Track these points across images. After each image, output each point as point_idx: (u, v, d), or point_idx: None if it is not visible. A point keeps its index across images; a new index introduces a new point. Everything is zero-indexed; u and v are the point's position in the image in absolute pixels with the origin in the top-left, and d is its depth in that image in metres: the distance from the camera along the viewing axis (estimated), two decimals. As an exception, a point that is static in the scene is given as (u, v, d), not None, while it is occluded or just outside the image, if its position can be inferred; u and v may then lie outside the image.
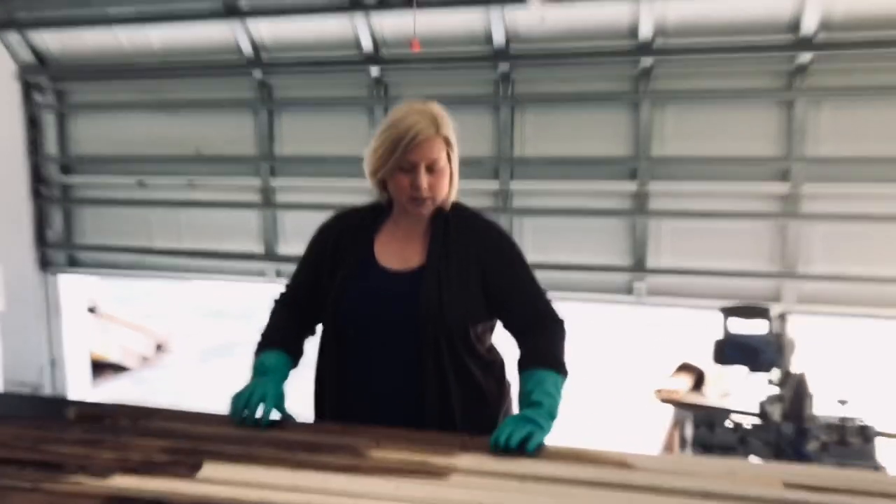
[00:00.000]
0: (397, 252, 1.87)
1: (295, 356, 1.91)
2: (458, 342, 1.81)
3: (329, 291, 1.87)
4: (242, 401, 1.74)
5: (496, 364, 1.94)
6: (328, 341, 1.90)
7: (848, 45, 3.56)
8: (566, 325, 1.88)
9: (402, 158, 1.78)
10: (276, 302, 2.01)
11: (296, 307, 1.96)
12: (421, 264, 1.84)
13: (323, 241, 1.95)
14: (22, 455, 1.57)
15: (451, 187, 1.89)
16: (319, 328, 1.94)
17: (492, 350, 1.94)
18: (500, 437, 1.60)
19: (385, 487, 1.43)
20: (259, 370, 1.83)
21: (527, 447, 1.59)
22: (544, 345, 1.82)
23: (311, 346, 1.96)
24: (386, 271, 1.85)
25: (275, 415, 1.76)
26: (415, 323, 1.79)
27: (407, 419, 1.78)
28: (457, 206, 1.93)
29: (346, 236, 1.91)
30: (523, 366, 1.80)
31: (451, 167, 1.86)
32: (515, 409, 1.80)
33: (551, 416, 1.69)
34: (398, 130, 1.78)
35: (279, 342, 1.89)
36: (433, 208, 1.87)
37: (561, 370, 1.78)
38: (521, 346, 1.85)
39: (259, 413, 1.73)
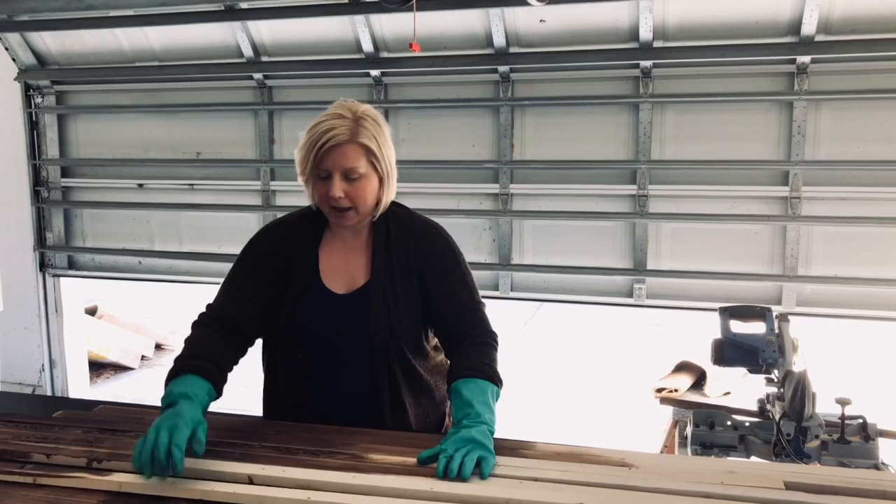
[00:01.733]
0: (342, 269, 1.81)
1: (217, 382, 1.64)
2: (409, 354, 1.79)
3: (274, 310, 1.78)
4: (149, 444, 1.42)
5: (444, 364, 1.89)
6: (278, 362, 1.82)
7: (847, 46, 3.56)
8: (498, 339, 1.79)
9: (317, 166, 1.70)
10: (198, 322, 1.76)
11: (225, 325, 1.75)
12: (366, 282, 1.79)
13: (264, 253, 1.83)
14: (22, 453, 1.57)
15: (384, 194, 1.77)
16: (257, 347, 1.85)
17: (438, 349, 1.90)
18: (451, 467, 1.45)
19: (387, 482, 1.43)
20: (169, 400, 1.55)
21: (482, 475, 1.46)
22: (479, 356, 1.72)
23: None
24: (333, 295, 1.78)
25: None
26: (366, 344, 1.75)
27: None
28: (396, 210, 1.85)
29: (291, 253, 1.81)
30: (460, 374, 1.68)
31: (379, 174, 1.74)
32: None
33: (492, 432, 1.58)
34: (313, 134, 1.70)
35: (195, 368, 1.62)
36: (358, 219, 1.77)
37: (497, 382, 1.69)
38: (454, 356, 1.76)
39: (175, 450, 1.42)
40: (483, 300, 1.86)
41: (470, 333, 1.77)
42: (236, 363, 1.75)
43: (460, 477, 1.44)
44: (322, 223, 1.84)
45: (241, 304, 1.78)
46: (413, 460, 1.54)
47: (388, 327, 1.75)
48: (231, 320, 1.76)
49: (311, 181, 1.76)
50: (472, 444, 1.51)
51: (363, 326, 1.74)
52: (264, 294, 1.78)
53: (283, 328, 1.78)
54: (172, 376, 1.63)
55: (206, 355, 1.66)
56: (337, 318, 1.76)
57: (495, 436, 1.59)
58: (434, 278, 1.80)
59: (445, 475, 1.45)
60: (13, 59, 4.76)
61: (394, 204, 1.85)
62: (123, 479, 1.46)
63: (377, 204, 1.78)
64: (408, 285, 1.79)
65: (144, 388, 6.23)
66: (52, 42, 4.72)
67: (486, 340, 1.77)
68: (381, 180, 1.76)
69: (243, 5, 4.16)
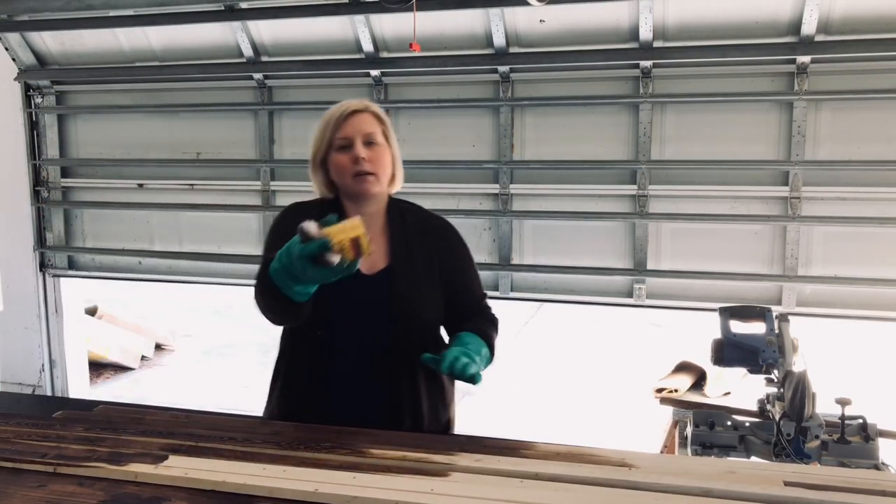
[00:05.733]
0: None
1: None
2: (429, 341, 1.84)
3: None
4: None
5: None
6: (295, 343, 1.86)
7: (847, 46, 3.56)
8: (499, 325, 1.95)
9: (336, 135, 1.80)
10: None
11: None
12: (387, 265, 1.84)
13: (293, 224, 1.84)
14: (24, 452, 1.57)
15: (396, 173, 1.88)
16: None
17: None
18: (456, 365, 1.65)
19: (388, 482, 1.44)
20: None
21: (473, 378, 1.67)
22: (482, 325, 1.88)
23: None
24: (358, 274, 1.75)
25: None
26: (388, 327, 1.79)
27: (379, 420, 1.77)
28: (408, 205, 1.94)
29: None
30: (462, 329, 1.83)
31: (391, 149, 1.85)
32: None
33: (484, 361, 1.77)
34: (329, 113, 1.84)
35: None
36: (378, 188, 1.83)
37: (490, 347, 1.83)
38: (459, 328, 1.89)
39: None
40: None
41: (478, 316, 1.93)
42: None
43: (453, 370, 1.66)
44: (338, 210, 1.84)
45: None
46: (413, 457, 1.54)
47: (410, 310, 1.81)
48: None
49: (321, 167, 1.85)
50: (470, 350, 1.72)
51: (385, 308, 1.80)
52: None
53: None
54: None
55: None
56: (360, 299, 1.81)
57: (498, 436, 1.65)
58: (454, 272, 1.91)
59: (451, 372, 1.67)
60: (13, 59, 4.76)
61: (403, 200, 1.94)
62: (139, 470, 1.47)
63: (391, 182, 1.88)
64: (428, 274, 1.86)
65: (144, 388, 6.23)
66: (52, 42, 4.72)
67: (491, 320, 1.94)
68: (392, 157, 1.86)
69: (243, 5, 4.16)
